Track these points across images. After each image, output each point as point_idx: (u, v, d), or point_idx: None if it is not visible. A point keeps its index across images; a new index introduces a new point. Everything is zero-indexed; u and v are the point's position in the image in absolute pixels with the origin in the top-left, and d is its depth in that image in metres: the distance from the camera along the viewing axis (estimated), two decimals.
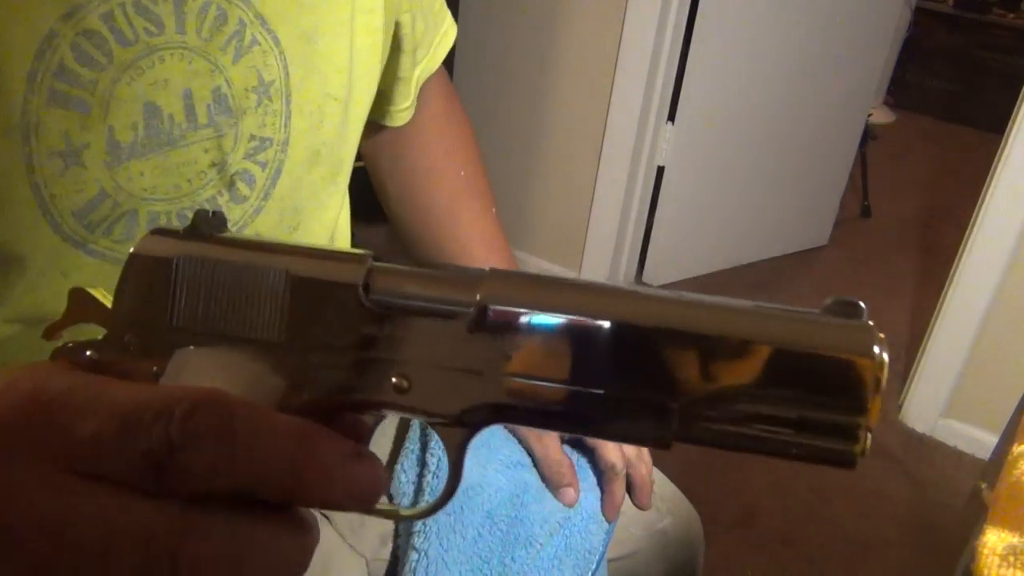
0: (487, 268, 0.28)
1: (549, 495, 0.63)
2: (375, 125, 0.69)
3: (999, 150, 1.74)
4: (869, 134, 2.87)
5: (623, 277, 2.34)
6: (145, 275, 0.29)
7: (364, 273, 0.28)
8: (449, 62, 0.74)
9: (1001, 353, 1.80)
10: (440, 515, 0.59)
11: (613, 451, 0.64)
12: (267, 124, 0.51)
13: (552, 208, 2.34)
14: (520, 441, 0.66)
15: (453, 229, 0.73)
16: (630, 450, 0.65)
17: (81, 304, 0.30)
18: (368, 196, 0.75)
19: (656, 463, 0.68)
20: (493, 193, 0.76)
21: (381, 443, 0.65)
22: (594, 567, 0.61)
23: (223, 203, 0.50)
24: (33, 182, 0.42)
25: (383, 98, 0.64)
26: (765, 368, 0.25)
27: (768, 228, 2.60)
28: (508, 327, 0.27)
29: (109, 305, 0.29)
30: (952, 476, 1.81)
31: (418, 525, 0.59)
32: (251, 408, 0.24)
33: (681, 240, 2.40)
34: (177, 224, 0.48)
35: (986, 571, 0.42)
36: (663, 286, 2.40)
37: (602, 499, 0.64)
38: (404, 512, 0.30)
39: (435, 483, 0.60)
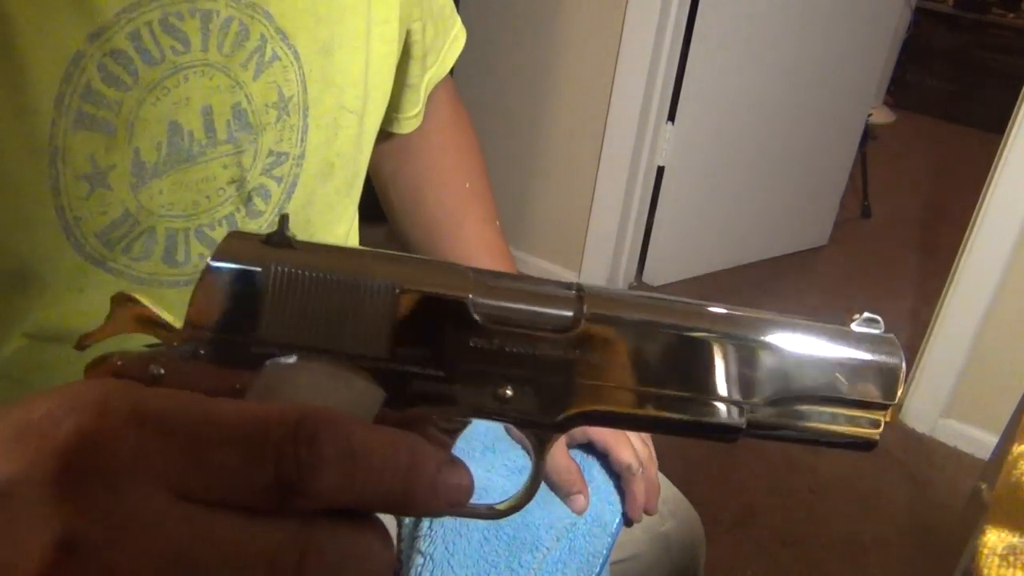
0: (579, 282, 0.30)
1: (554, 500, 0.63)
2: (381, 132, 0.69)
3: (999, 150, 1.74)
4: (869, 134, 2.87)
5: (623, 277, 2.34)
6: (228, 284, 0.27)
7: (472, 287, 0.28)
8: None
9: (1001, 353, 1.80)
10: (445, 519, 0.59)
11: (628, 452, 0.64)
12: (285, 139, 0.50)
13: (552, 208, 2.34)
14: (523, 446, 0.66)
15: (456, 238, 0.73)
16: (642, 449, 0.65)
17: (129, 312, 0.27)
18: (368, 196, 0.75)
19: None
20: (496, 203, 0.76)
21: None
22: (598, 570, 0.61)
23: (240, 219, 0.50)
24: (58, 205, 0.42)
25: (391, 105, 0.64)
26: (822, 375, 0.31)
27: (768, 228, 2.60)
28: (609, 339, 0.29)
29: (158, 312, 0.27)
30: (952, 476, 1.81)
31: (423, 529, 0.59)
32: (363, 426, 0.24)
33: (681, 240, 2.40)
34: (195, 243, 0.48)
35: (986, 571, 0.42)
36: (663, 286, 2.40)
37: (621, 502, 0.64)
38: (499, 507, 0.32)
39: None
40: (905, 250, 2.91)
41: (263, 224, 0.52)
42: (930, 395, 1.90)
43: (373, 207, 0.79)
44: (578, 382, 0.29)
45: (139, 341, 0.28)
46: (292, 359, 0.27)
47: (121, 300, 0.28)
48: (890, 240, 2.99)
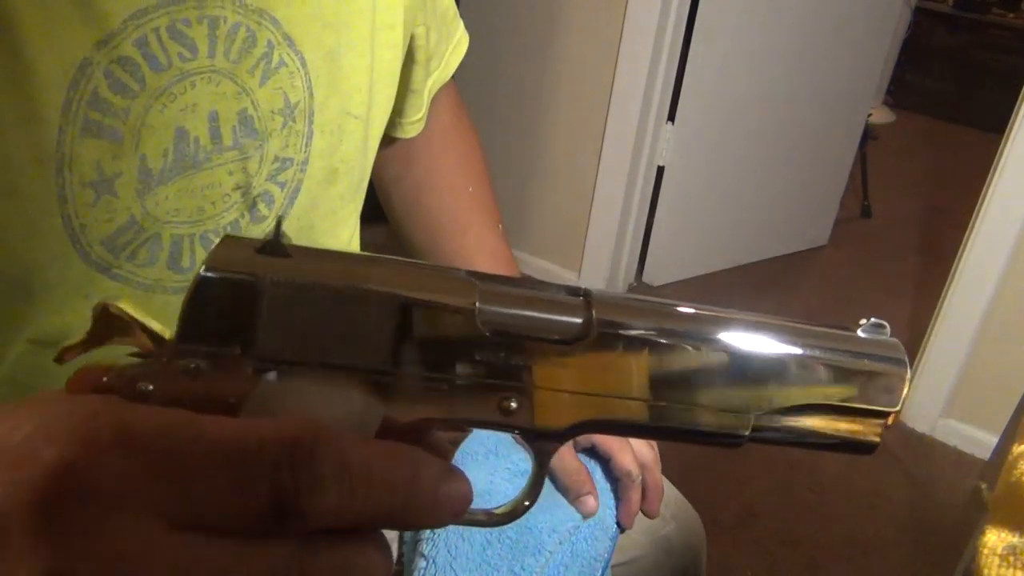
0: (586, 288, 0.29)
1: (557, 504, 0.63)
2: (384, 136, 0.69)
3: (999, 150, 1.74)
4: (869, 134, 2.87)
5: (623, 277, 2.34)
6: (220, 294, 0.26)
7: (478, 296, 0.27)
8: None
9: (1001, 353, 1.80)
10: None
11: (629, 458, 0.63)
12: (290, 145, 0.50)
13: (552, 208, 2.34)
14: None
15: (460, 243, 0.72)
16: (645, 456, 0.65)
17: (111, 324, 0.26)
18: (369, 196, 0.75)
19: None
20: (498, 208, 0.76)
21: None
22: (600, 574, 0.61)
23: (244, 224, 0.50)
24: (65, 212, 0.42)
25: (393, 110, 0.64)
26: (829, 381, 0.30)
27: (768, 228, 2.60)
28: (616, 348, 0.29)
29: (145, 322, 0.26)
30: (952, 476, 1.81)
31: (425, 532, 0.59)
32: (361, 443, 0.24)
33: (681, 240, 2.40)
34: (200, 249, 0.48)
35: (986, 571, 0.42)
36: (663, 286, 2.40)
37: (618, 506, 0.64)
38: (497, 512, 0.32)
39: None
40: (905, 250, 2.91)
41: (266, 229, 0.51)
42: (930, 395, 1.90)
43: (374, 207, 0.79)
44: (584, 391, 0.29)
45: (126, 351, 0.26)
46: (288, 374, 0.26)
47: (103, 311, 0.26)
48: (890, 240, 2.99)
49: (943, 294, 1.88)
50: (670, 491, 0.73)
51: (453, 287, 0.27)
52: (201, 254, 0.48)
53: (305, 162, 0.52)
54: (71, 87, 0.39)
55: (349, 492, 0.23)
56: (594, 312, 0.28)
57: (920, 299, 2.45)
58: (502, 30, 2.25)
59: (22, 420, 0.23)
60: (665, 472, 0.70)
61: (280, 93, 0.48)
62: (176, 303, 0.49)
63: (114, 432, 0.22)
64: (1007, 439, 0.85)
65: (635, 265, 2.39)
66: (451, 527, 0.59)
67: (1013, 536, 0.44)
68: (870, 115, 2.77)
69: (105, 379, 0.25)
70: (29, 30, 0.37)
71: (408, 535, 0.62)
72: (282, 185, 0.51)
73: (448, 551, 0.58)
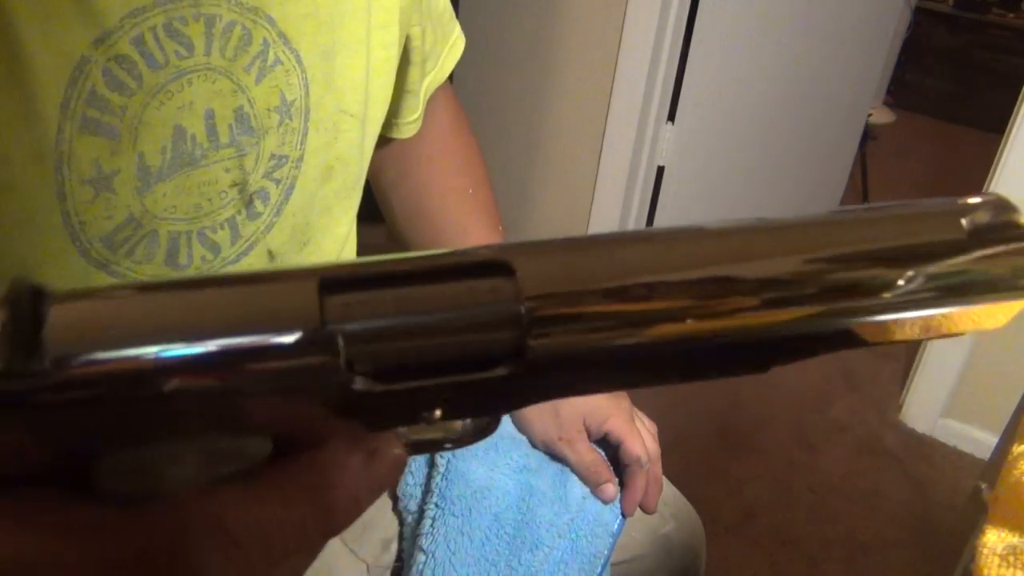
0: (502, 257, 0.22)
1: (556, 499, 0.63)
2: (381, 138, 0.69)
3: (999, 150, 1.74)
4: (869, 134, 2.87)
5: None
6: None
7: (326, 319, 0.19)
8: None
9: (1001, 353, 1.80)
10: (448, 517, 0.59)
11: (639, 445, 0.65)
12: (286, 142, 0.51)
13: (552, 208, 2.34)
14: (544, 449, 0.66)
15: (462, 247, 0.73)
16: (652, 446, 0.66)
17: None
18: (368, 197, 0.75)
19: None
20: (498, 210, 0.76)
21: None
22: (599, 571, 0.61)
23: (240, 221, 0.50)
24: (64, 210, 0.42)
25: (389, 111, 0.65)
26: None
27: None
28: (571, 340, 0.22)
29: None
30: (952, 476, 1.81)
31: (425, 527, 0.59)
32: (236, 506, 0.20)
33: None
34: (197, 246, 0.48)
35: (986, 571, 0.43)
36: None
37: (622, 493, 0.65)
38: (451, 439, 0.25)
39: (443, 484, 0.61)
40: None
41: (260, 226, 0.52)
42: (930, 395, 1.90)
43: (373, 207, 0.79)
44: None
45: None
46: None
47: None
48: None
49: None
50: (670, 490, 0.74)
51: (288, 303, 0.19)
52: (198, 250, 0.49)
53: (300, 159, 0.52)
54: (69, 85, 0.40)
55: (251, 557, 0.20)
56: (524, 305, 0.19)
57: None
58: (502, 29, 2.25)
59: None
60: (665, 472, 0.70)
61: (276, 91, 0.48)
62: None
63: None
64: (1007, 439, 0.85)
65: None
66: (450, 522, 0.59)
67: (1013, 536, 0.44)
68: (870, 115, 2.77)
69: None
70: (27, 29, 0.38)
71: (408, 531, 0.62)
72: (278, 182, 0.51)
73: (447, 546, 0.58)
